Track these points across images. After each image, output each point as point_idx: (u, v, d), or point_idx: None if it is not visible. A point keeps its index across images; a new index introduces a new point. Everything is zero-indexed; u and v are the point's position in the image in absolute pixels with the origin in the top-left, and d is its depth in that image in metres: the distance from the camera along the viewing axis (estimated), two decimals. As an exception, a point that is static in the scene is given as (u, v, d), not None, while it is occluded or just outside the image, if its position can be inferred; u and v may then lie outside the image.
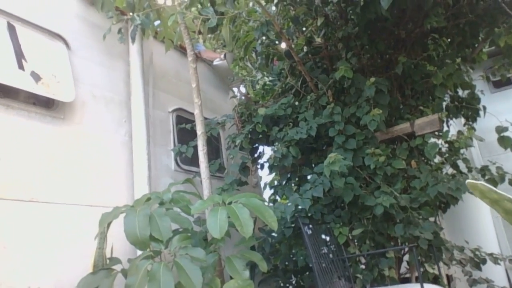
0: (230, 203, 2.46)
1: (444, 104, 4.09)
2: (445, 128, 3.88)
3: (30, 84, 2.92)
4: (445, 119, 3.97)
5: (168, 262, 2.18)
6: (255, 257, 2.58)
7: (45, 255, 2.78)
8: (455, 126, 4.60)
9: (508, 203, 0.86)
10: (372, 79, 3.50)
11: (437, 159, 4.02)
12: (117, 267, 2.54)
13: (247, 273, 2.42)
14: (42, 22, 3.24)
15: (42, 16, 3.27)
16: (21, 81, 2.87)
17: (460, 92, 4.18)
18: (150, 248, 2.33)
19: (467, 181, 0.89)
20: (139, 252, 2.70)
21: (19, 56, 2.94)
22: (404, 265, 3.97)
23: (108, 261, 2.70)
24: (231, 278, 2.47)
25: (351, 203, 3.64)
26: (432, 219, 3.70)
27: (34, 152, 2.91)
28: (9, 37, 2.94)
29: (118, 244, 3.00)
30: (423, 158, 3.79)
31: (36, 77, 2.98)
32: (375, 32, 3.87)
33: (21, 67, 2.91)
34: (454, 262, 3.92)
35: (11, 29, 2.98)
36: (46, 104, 3.13)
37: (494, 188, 0.88)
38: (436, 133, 3.76)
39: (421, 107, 3.65)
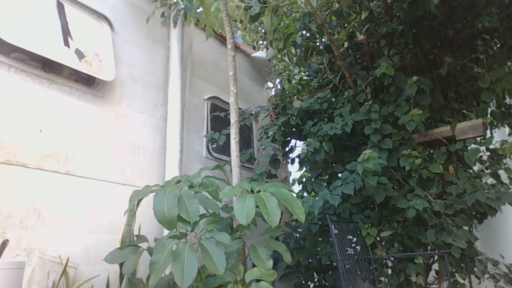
0: (258, 191, 2.44)
1: (490, 110, 3.90)
2: (489, 135, 3.69)
3: (74, 61, 3.01)
4: (488, 126, 3.78)
5: (194, 244, 2.19)
6: (279, 248, 2.56)
7: (76, 226, 2.87)
8: (500, 135, 4.38)
9: None
10: (414, 78, 3.37)
11: (477, 166, 3.84)
12: (144, 246, 2.58)
13: (270, 262, 2.39)
14: (89, 2, 3.33)
15: (90, -4, 3.36)
16: (66, 58, 2.96)
17: (508, 99, 3.96)
18: (177, 228, 2.34)
19: None
20: (165, 233, 2.74)
21: (66, 33, 3.03)
22: (432, 274, 3.83)
23: (135, 238, 2.76)
24: (254, 266, 2.46)
25: (381, 204, 3.55)
26: (466, 228, 3.54)
27: (73, 128, 3.01)
28: (57, 14, 3.04)
29: (146, 224, 3.07)
30: (461, 165, 3.62)
31: (80, 54, 3.07)
32: (421, 30, 3.72)
33: (66, 44, 3.00)
34: (486, 276, 3.74)
35: (60, 7, 3.08)
36: (87, 81, 3.21)
37: None
38: (478, 139, 3.59)
39: (464, 111, 3.49)
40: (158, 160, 3.70)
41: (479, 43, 3.42)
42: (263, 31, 5.23)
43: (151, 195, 2.35)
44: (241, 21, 3.89)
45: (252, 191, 2.46)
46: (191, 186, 2.72)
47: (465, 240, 3.20)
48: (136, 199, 2.49)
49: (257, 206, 2.31)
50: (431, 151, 3.57)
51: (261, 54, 5.42)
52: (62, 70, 3.03)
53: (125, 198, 2.60)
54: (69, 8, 3.15)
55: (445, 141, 3.52)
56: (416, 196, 3.33)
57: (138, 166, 3.48)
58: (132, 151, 3.46)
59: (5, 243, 2.13)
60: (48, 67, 2.95)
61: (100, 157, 3.16)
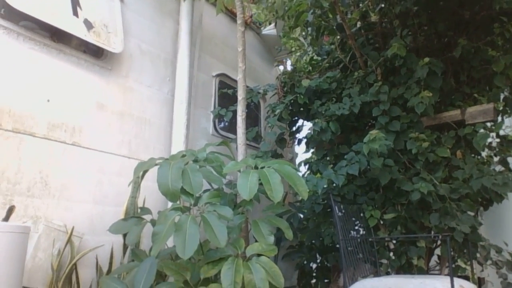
0: (262, 167, 2.44)
1: (502, 96, 3.82)
2: (501, 120, 3.63)
3: (82, 31, 2.99)
4: (500, 112, 3.71)
5: (196, 217, 2.21)
6: (281, 224, 2.57)
7: (81, 197, 2.91)
8: (509, 121, 4.30)
9: None
10: (426, 59, 3.30)
11: (486, 152, 3.79)
12: (147, 218, 2.61)
13: (272, 238, 2.41)
14: (99, -29, 3.28)
15: (99, -35, 3.31)
16: (74, 28, 2.95)
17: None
18: (180, 201, 2.36)
19: None
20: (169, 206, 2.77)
21: (75, 3, 3.01)
22: (434, 259, 3.84)
23: (139, 210, 2.79)
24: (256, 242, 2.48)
25: (386, 186, 3.54)
26: (470, 213, 3.52)
27: (80, 99, 3.02)
28: (66, -17, 3.01)
29: (151, 198, 3.10)
30: (469, 150, 3.58)
31: (89, 25, 3.05)
32: (436, 11, 3.63)
33: (75, 13, 2.98)
34: (489, 262, 3.74)
35: (69, -25, 3.04)
36: (95, 53, 3.20)
37: None
38: (489, 125, 3.54)
39: (476, 95, 3.43)
40: (165, 135, 3.71)
41: (496, 26, 3.32)
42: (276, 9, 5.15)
43: (157, 169, 2.36)
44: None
45: (256, 167, 2.46)
46: (195, 161, 2.73)
47: (469, 225, 3.18)
48: (140, 170, 2.50)
49: (261, 184, 2.31)
50: (440, 135, 3.53)
51: (271, 31, 5.34)
52: (70, 40, 3.02)
53: (130, 171, 2.61)
54: (78, -22, 3.12)
55: (454, 125, 3.47)
56: (422, 179, 3.31)
57: (144, 140, 3.50)
58: (138, 125, 3.47)
59: (11, 209, 2.17)
60: (57, 36, 2.94)
61: (107, 130, 3.18)
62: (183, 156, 2.76)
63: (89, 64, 3.12)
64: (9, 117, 2.54)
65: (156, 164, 2.45)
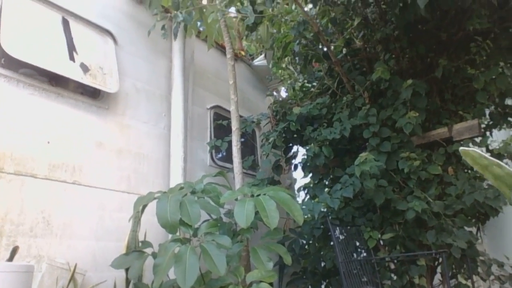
0: (258, 195, 2.51)
1: (488, 111, 3.94)
2: (487, 135, 3.73)
3: (79, 74, 3.13)
4: (485, 125, 3.82)
5: (196, 247, 2.27)
6: (280, 250, 2.62)
7: (83, 234, 2.96)
8: (504, 135, 4.39)
9: (497, 168, 0.89)
10: (410, 81, 3.44)
11: (477, 167, 3.87)
12: (149, 251, 2.66)
13: (270, 265, 2.46)
14: (94, 18, 3.47)
15: (94, 12, 3.50)
16: (71, 72, 3.09)
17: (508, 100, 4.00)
18: (179, 232, 2.42)
19: (460, 148, 0.91)
20: (169, 238, 2.82)
21: (71, 48, 3.17)
22: (438, 277, 3.85)
23: (140, 244, 2.84)
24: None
25: (383, 207, 3.60)
26: (467, 229, 3.57)
27: (79, 139, 3.12)
28: (63, 30, 3.18)
29: (151, 232, 3.15)
30: (461, 166, 3.66)
31: (85, 68, 3.19)
32: (416, 35, 3.80)
33: (72, 58, 3.13)
34: (492, 277, 3.75)
35: (65, 23, 3.22)
36: (92, 94, 3.34)
37: (484, 154, 0.90)
38: (477, 140, 3.64)
39: (461, 112, 3.54)
40: (163, 169, 3.80)
41: (473, 45, 3.48)
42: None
43: (156, 203, 2.44)
44: (239, 33, 3.99)
45: (252, 195, 2.54)
46: (193, 192, 2.81)
47: (465, 240, 3.23)
48: (140, 205, 2.58)
49: (257, 211, 2.38)
50: (430, 153, 3.62)
51: (262, 61, 5.53)
52: (68, 83, 3.16)
53: (130, 206, 2.70)
54: (74, 24, 3.29)
55: (443, 142, 3.57)
56: (416, 197, 3.38)
57: (143, 175, 3.58)
58: (137, 160, 3.57)
59: (15, 249, 2.23)
60: (55, 81, 3.07)
61: (106, 167, 3.27)
62: (181, 188, 2.84)
63: (86, 105, 3.25)
64: (11, 161, 2.64)
65: (155, 198, 2.53)
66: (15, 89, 2.79)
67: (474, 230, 3.70)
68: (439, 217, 3.34)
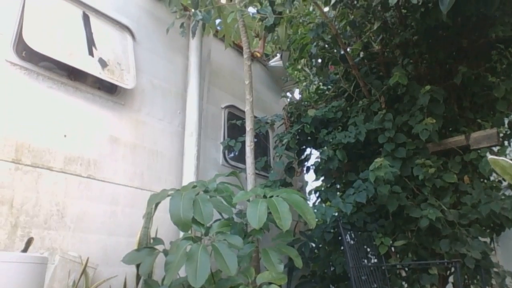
0: (271, 196, 2.50)
1: (507, 120, 3.87)
2: (505, 145, 3.67)
3: (97, 69, 3.16)
4: (503, 134, 3.75)
5: (207, 246, 2.27)
6: (291, 252, 2.60)
7: (96, 228, 2.99)
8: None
9: None
10: (427, 87, 3.40)
11: (494, 177, 3.81)
12: (160, 248, 2.67)
13: (281, 267, 2.44)
14: (113, 13, 3.49)
15: (114, 8, 3.52)
16: (90, 66, 3.11)
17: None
18: (191, 230, 2.42)
19: (490, 157, 0.88)
20: (181, 236, 2.83)
21: (90, 43, 3.19)
22: (449, 287, 3.79)
23: (152, 240, 2.85)
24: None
25: (395, 213, 3.56)
26: (481, 239, 3.51)
27: (95, 133, 3.14)
28: (83, 25, 3.21)
29: (163, 229, 3.16)
30: (477, 175, 3.60)
31: (103, 63, 3.22)
32: (436, 40, 3.75)
33: (91, 53, 3.16)
34: (506, 290, 3.69)
35: (86, 18, 3.25)
36: (109, 89, 3.36)
37: None
38: (495, 149, 3.57)
39: (479, 121, 3.49)
40: (176, 166, 3.81)
41: (494, 53, 3.42)
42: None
43: (169, 200, 2.44)
44: (257, 35, 3.98)
45: (265, 196, 2.53)
46: (206, 191, 2.81)
47: (480, 251, 3.18)
48: (154, 202, 2.58)
49: (270, 212, 2.37)
50: (446, 161, 3.57)
51: (278, 62, 5.52)
52: (86, 78, 3.18)
53: (143, 202, 2.70)
54: (94, 20, 3.32)
55: (459, 150, 3.52)
56: (430, 205, 3.33)
57: (156, 172, 3.60)
58: (151, 157, 3.58)
59: (30, 240, 2.26)
60: (74, 75, 3.11)
61: (121, 162, 3.29)
62: (194, 187, 2.84)
63: (103, 100, 3.27)
64: (29, 152, 2.67)
65: (168, 195, 2.53)
66: (35, 82, 2.83)
67: (488, 240, 3.63)
68: (453, 226, 3.30)
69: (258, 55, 5.39)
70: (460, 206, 3.40)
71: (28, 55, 2.83)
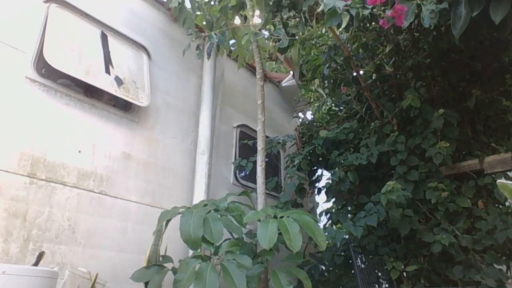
0: (281, 217, 2.49)
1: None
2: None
3: (113, 87, 3.23)
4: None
5: (216, 265, 2.26)
6: (300, 275, 2.57)
7: (106, 245, 2.99)
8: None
9: None
10: (441, 110, 3.38)
11: (509, 202, 3.73)
12: (169, 266, 2.66)
13: (291, 288, 2.41)
14: (131, 33, 3.59)
15: (131, 28, 3.62)
16: (106, 84, 3.19)
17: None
18: (201, 249, 2.42)
19: (498, 181, 0.88)
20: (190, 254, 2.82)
21: (107, 62, 3.28)
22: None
23: (161, 258, 2.84)
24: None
25: (407, 237, 3.50)
26: (499, 267, 3.42)
27: (109, 150, 3.19)
28: (101, 44, 3.30)
29: (172, 247, 3.15)
30: (492, 200, 3.54)
31: (119, 81, 3.29)
32: (449, 63, 3.76)
33: (107, 71, 3.24)
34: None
35: (104, 38, 3.34)
36: (124, 107, 3.42)
37: None
38: (510, 174, 3.52)
39: (494, 145, 3.45)
40: (187, 184, 3.82)
41: (508, 77, 3.41)
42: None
43: (178, 218, 2.45)
44: (270, 56, 4.02)
45: (275, 217, 2.52)
46: (216, 210, 2.80)
47: (495, 279, 3.09)
48: (164, 219, 2.59)
49: (280, 233, 2.35)
50: (459, 185, 3.52)
51: (290, 82, 5.56)
52: (102, 95, 3.25)
53: (153, 219, 2.71)
54: (111, 39, 3.41)
55: (473, 175, 3.47)
56: (443, 230, 3.27)
57: (167, 189, 3.62)
58: (162, 174, 3.61)
59: (41, 254, 2.27)
60: (90, 92, 3.18)
61: (133, 179, 3.32)
62: (205, 205, 2.84)
63: (118, 117, 3.33)
64: (44, 167, 2.72)
65: (179, 213, 2.54)
66: (53, 98, 2.90)
67: (504, 268, 3.54)
68: (467, 252, 3.22)
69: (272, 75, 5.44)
70: (474, 232, 3.33)
71: (47, 72, 2.91)
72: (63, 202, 2.78)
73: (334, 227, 4.16)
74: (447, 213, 3.40)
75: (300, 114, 6.12)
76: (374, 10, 2.43)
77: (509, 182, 0.88)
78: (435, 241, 3.20)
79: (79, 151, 2.97)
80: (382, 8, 2.42)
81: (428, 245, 3.33)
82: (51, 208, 2.70)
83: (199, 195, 3.71)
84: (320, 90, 5.36)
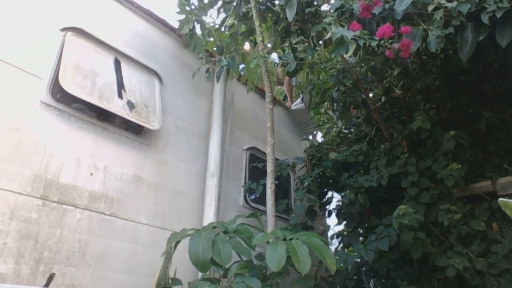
0: (291, 239, 2.47)
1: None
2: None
3: (125, 111, 3.30)
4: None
5: (225, 288, 2.24)
6: (310, 298, 2.53)
7: (115, 267, 3.00)
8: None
9: None
10: (452, 132, 3.37)
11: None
12: (178, 289, 2.65)
13: (300, 313, 2.37)
14: (142, 59, 3.69)
15: (143, 54, 3.73)
16: (119, 108, 3.26)
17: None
18: (210, 271, 2.41)
19: (500, 199, 0.88)
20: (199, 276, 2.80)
21: (120, 86, 3.37)
22: None
23: (170, 281, 2.83)
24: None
25: (420, 260, 3.43)
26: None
27: (120, 172, 3.23)
28: (114, 70, 3.40)
29: (182, 269, 3.13)
30: (507, 222, 3.46)
31: (131, 105, 3.37)
32: (458, 85, 3.77)
33: (120, 96, 3.32)
34: None
35: (117, 63, 3.44)
36: (135, 130, 3.49)
37: None
38: (523, 196, 3.45)
39: (506, 166, 3.40)
40: (197, 206, 3.83)
41: (518, 98, 3.41)
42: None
43: (188, 240, 2.45)
44: (279, 80, 4.08)
45: (284, 239, 2.50)
46: (225, 232, 2.80)
47: (513, 304, 3.00)
48: (173, 241, 2.59)
49: (289, 256, 2.33)
50: (472, 207, 3.46)
51: (299, 105, 5.61)
52: (114, 119, 3.32)
53: (163, 242, 2.72)
54: (124, 65, 3.52)
55: (486, 196, 3.41)
56: (457, 253, 3.20)
57: (177, 211, 3.63)
58: (172, 197, 3.63)
59: (51, 276, 2.29)
60: (103, 116, 3.25)
61: (143, 201, 3.35)
62: (214, 227, 2.84)
63: (129, 141, 3.39)
64: (56, 189, 2.76)
65: (188, 235, 2.54)
66: (67, 122, 2.97)
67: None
68: (482, 276, 3.14)
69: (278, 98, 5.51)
70: (489, 255, 3.25)
71: (62, 97, 3.00)
72: (74, 224, 2.81)
73: (345, 250, 4.10)
74: (461, 236, 3.34)
75: (310, 137, 6.14)
76: (382, 42, 2.47)
77: (510, 200, 0.88)
78: (449, 265, 3.13)
79: (91, 174, 3.02)
80: (390, 41, 2.47)
81: (442, 269, 3.25)
82: (62, 230, 2.73)
83: (209, 218, 3.72)
84: (330, 113, 5.39)
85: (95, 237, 2.92)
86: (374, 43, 2.43)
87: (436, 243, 3.47)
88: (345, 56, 3.70)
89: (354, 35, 2.45)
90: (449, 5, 2.40)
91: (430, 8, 2.45)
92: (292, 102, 5.71)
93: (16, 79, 2.78)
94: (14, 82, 2.77)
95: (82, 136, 3.05)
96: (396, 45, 2.43)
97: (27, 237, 2.54)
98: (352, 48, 2.43)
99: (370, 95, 4.18)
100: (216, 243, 2.41)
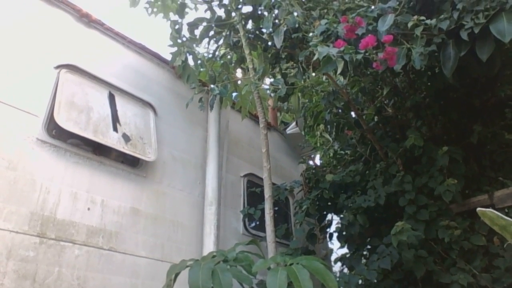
0: (291, 264, 2.45)
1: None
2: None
3: (121, 144, 3.33)
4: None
5: (227, 319, 2.20)
6: (315, 324, 2.48)
7: (116, 302, 2.95)
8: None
9: None
10: (445, 148, 3.39)
11: (526, 237, 3.63)
12: (179, 322, 2.60)
13: None
14: (137, 92, 3.76)
15: (137, 87, 3.80)
16: (114, 142, 3.29)
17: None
18: (210, 302, 2.37)
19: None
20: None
21: (115, 120, 3.41)
22: None
23: (171, 314, 2.78)
24: None
25: (425, 279, 3.38)
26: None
27: (117, 206, 3.23)
28: (108, 104, 3.45)
29: (183, 301, 3.09)
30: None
31: (127, 138, 3.40)
32: (447, 101, 3.82)
33: (115, 129, 3.36)
34: None
35: (111, 97, 3.50)
36: (132, 162, 3.51)
37: (501, 215, 0.88)
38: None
39: (501, 178, 3.42)
40: (196, 236, 3.81)
41: (507, 111, 3.45)
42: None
43: (187, 271, 2.43)
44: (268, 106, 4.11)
45: (285, 264, 2.48)
46: (225, 261, 2.78)
47: (520, 319, 2.95)
48: (173, 273, 2.57)
49: (290, 281, 2.31)
50: (472, 221, 3.45)
51: (294, 129, 5.66)
52: (110, 152, 3.35)
53: (163, 274, 2.68)
54: (119, 98, 3.57)
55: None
56: (460, 269, 3.17)
57: (176, 243, 3.60)
58: (171, 228, 3.61)
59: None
60: (99, 150, 3.28)
61: (142, 234, 3.33)
62: (214, 256, 2.82)
63: (126, 173, 3.40)
64: (53, 226, 2.75)
65: (187, 266, 2.52)
66: (63, 158, 2.99)
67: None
68: (487, 292, 3.10)
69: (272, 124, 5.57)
70: (493, 270, 3.22)
71: (58, 133, 3.03)
72: (73, 261, 2.79)
73: (348, 273, 4.05)
74: (463, 252, 3.31)
75: (311, 162, 6.16)
76: (367, 54, 2.53)
77: (487, 209, 0.91)
78: (453, 281, 3.10)
79: (88, 208, 3.02)
80: (374, 51, 2.53)
81: (446, 286, 3.21)
82: (60, 267, 2.70)
83: (209, 247, 3.69)
84: (326, 135, 5.44)
85: (94, 273, 2.88)
86: (359, 56, 2.48)
87: (439, 260, 3.44)
88: (334, 76, 3.78)
89: (339, 51, 2.51)
90: (428, 22, 2.48)
91: (410, 24, 2.53)
92: (275, 124, 5.75)
93: (11, 118, 2.82)
94: (9, 121, 2.81)
95: (79, 171, 3.06)
96: (381, 55, 2.48)
97: (24, 276, 2.51)
98: (340, 66, 2.49)
99: (363, 115, 4.23)
100: (216, 273, 2.39)
